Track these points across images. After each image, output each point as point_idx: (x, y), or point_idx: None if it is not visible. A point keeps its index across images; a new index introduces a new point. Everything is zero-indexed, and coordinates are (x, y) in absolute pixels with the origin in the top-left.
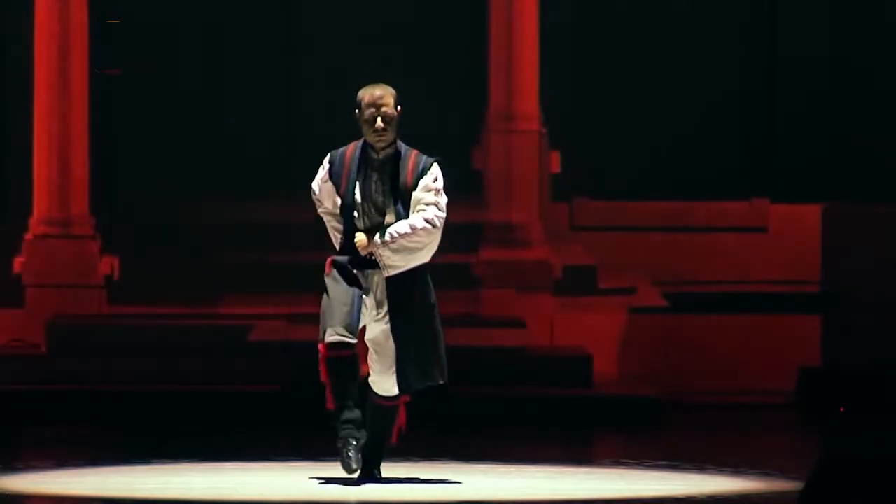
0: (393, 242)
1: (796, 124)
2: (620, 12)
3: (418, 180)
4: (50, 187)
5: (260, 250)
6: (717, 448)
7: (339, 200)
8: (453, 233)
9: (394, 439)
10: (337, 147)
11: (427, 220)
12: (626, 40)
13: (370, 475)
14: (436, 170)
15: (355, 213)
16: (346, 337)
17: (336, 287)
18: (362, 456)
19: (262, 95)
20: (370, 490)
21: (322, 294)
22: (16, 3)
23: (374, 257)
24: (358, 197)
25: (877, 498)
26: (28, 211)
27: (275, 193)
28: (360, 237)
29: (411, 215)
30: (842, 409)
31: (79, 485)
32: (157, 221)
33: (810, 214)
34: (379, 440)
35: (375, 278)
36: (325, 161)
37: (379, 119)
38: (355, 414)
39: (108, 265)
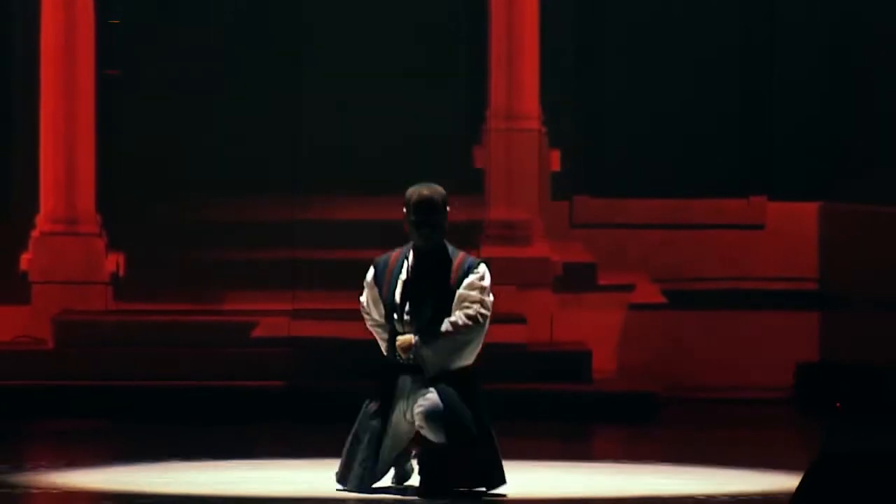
0: (433, 342)
1: (795, 123)
2: (621, 11)
3: (463, 279)
4: (56, 185)
5: (263, 247)
6: (716, 443)
7: (382, 309)
8: (453, 231)
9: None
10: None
11: (469, 317)
12: (626, 39)
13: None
14: (483, 269)
15: (395, 315)
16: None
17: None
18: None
19: (263, 93)
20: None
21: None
22: (22, 2)
23: (415, 361)
24: (398, 298)
25: (871, 496)
26: (35, 208)
27: (278, 190)
28: (402, 339)
29: (454, 313)
30: (838, 405)
31: (85, 480)
32: (162, 219)
33: (808, 212)
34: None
35: (409, 384)
36: (371, 267)
37: (424, 223)
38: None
39: (114, 262)
